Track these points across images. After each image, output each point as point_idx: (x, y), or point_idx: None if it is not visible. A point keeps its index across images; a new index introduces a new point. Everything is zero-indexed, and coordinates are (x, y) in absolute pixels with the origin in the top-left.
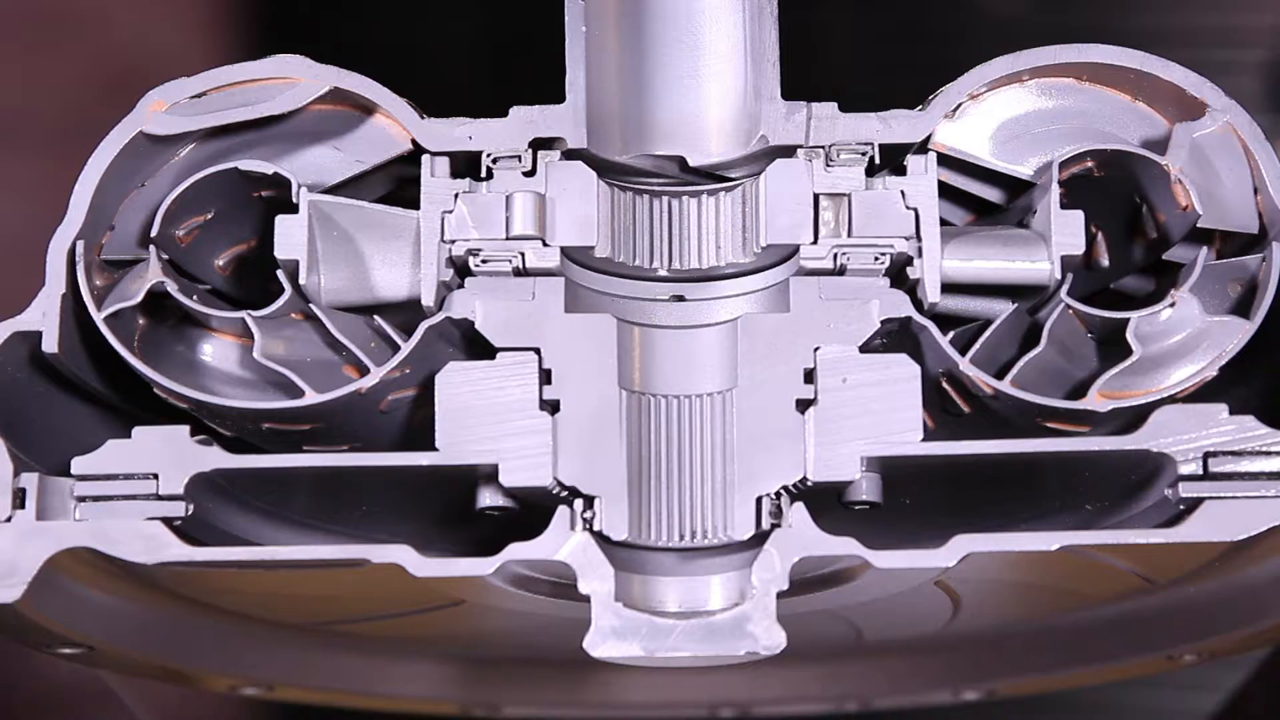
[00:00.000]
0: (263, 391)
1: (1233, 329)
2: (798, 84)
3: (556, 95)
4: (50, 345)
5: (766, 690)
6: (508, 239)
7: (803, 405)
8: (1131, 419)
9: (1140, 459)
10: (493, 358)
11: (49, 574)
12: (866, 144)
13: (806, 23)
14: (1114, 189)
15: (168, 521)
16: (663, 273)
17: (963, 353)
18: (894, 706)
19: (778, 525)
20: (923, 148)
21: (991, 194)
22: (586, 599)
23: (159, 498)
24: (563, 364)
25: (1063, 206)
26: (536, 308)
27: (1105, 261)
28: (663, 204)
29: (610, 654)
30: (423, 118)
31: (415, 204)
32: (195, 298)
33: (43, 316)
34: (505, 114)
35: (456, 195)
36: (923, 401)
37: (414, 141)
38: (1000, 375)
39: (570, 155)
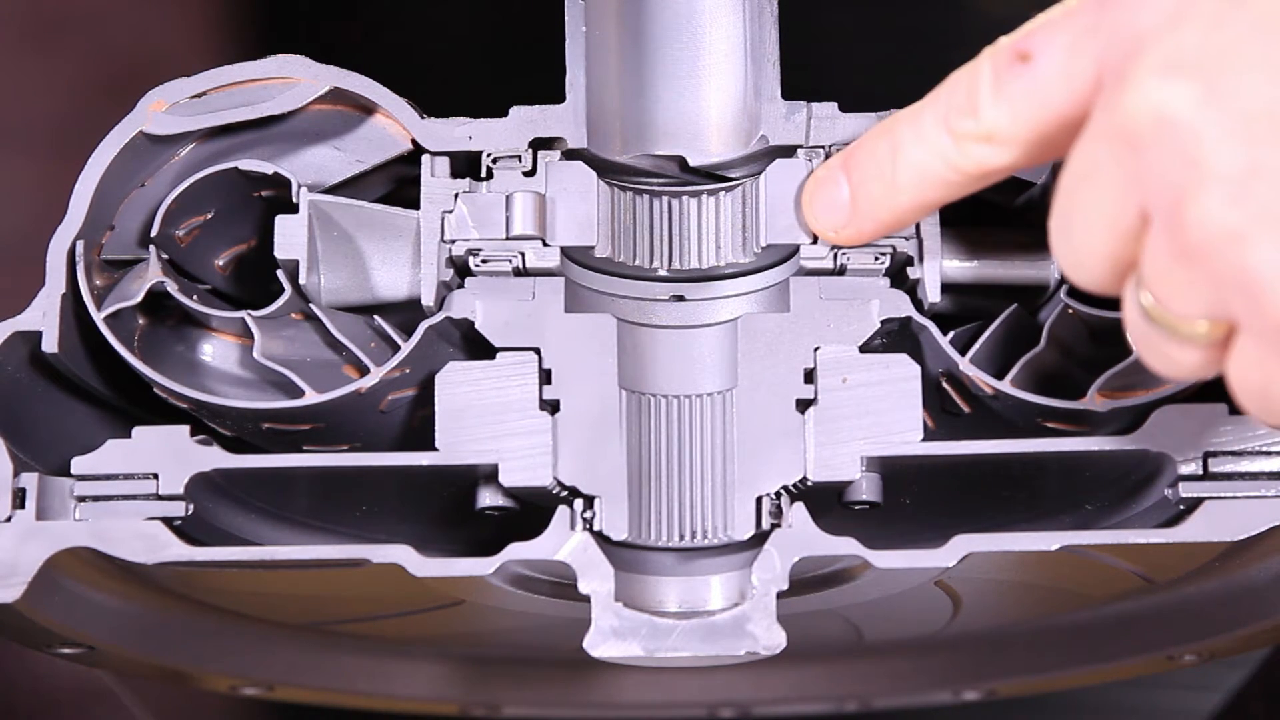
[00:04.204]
0: (263, 391)
1: None
2: (798, 84)
3: (556, 95)
4: (50, 345)
5: (766, 690)
6: (508, 239)
7: (803, 405)
8: (1131, 419)
9: (1140, 459)
10: (493, 358)
11: (49, 574)
12: None
13: (806, 23)
14: None
15: (168, 521)
16: (663, 273)
17: (963, 353)
18: (894, 706)
19: (778, 525)
20: None
21: (992, 194)
22: (586, 599)
23: (159, 498)
24: (563, 364)
25: None
26: (536, 308)
27: None
28: (663, 204)
29: (610, 654)
30: (423, 118)
31: (415, 204)
32: (195, 298)
33: (43, 316)
34: (505, 114)
35: (456, 195)
36: (923, 401)
37: (414, 141)
38: (1000, 375)
39: (570, 155)
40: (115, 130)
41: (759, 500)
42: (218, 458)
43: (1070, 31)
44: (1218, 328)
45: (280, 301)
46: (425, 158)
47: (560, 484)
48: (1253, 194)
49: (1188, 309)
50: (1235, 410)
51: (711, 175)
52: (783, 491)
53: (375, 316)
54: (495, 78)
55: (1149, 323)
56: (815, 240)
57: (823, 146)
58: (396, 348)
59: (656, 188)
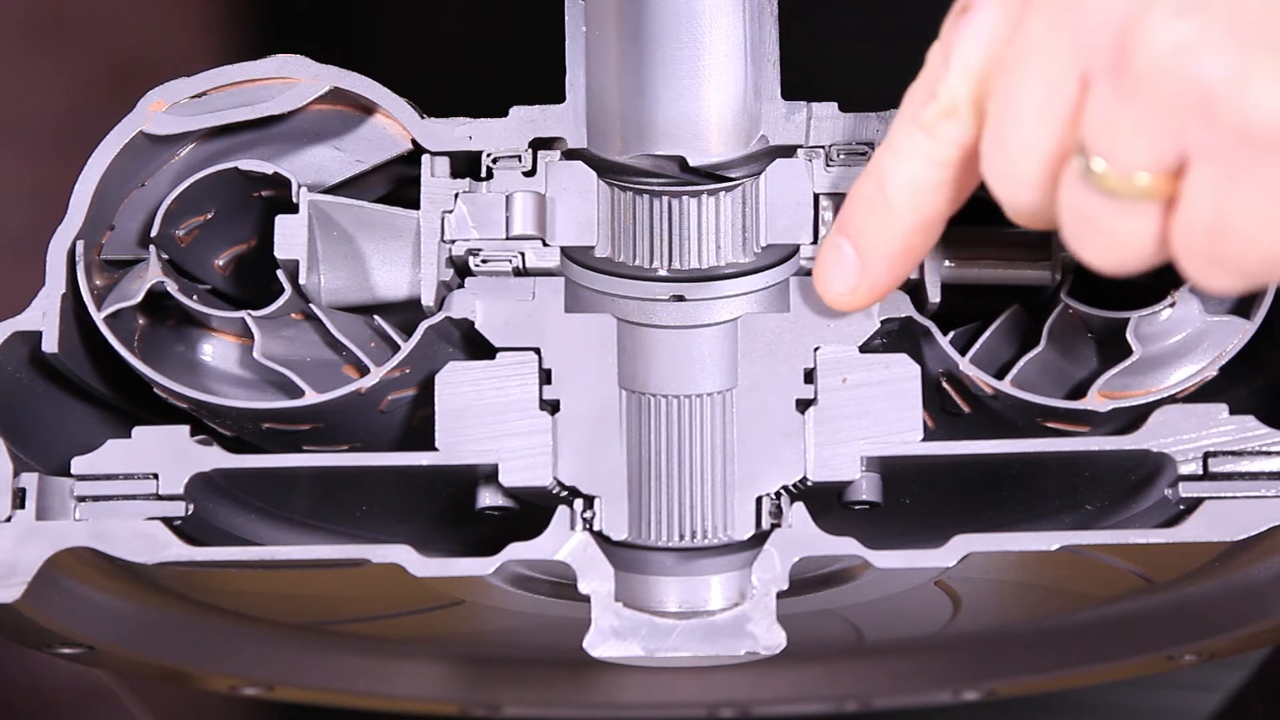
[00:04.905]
0: (263, 391)
1: (1233, 329)
2: (798, 84)
3: (556, 95)
4: (50, 345)
5: (766, 690)
6: (508, 239)
7: (803, 405)
8: (1131, 419)
9: (1140, 459)
10: (493, 358)
11: (49, 574)
12: (866, 144)
13: (806, 23)
14: None
15: (168, 521)
16: (663, 273)
17: (963, 353)
18: (894, 706)
19: (778, 525)
20: None
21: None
22: (586, 599)
23: (159, 498)
24: (563, 364)
25: None
26: (536, 308)
27: None
28: (663, 204)
29: (610, 654)
30: (423, 118)
31: (415, 204)
32: (195, 298)
33: (43, 316)
34: (505, 114)
35: (456, 195)
36: (923, 401)
37: (414, 141)
38: (1000, 375)
39: (570, 155)
40: (115, 130)
41: (759, 500)
42: (218, 458)
43: None
44: (1163, 181)
45: (280, 301)
46: (425, 158)
47: (560, 484)
48: (1200, 6)
49: (1135, 154)
50: (1235, 410)
51: (711, 175)
52: (783, 491)
53: (375, 316)
54: (495, 78)
55: (1090, 194)
56: (815, 240)
57: (823, 146)
58: (396, 348)
59: (656, 188)
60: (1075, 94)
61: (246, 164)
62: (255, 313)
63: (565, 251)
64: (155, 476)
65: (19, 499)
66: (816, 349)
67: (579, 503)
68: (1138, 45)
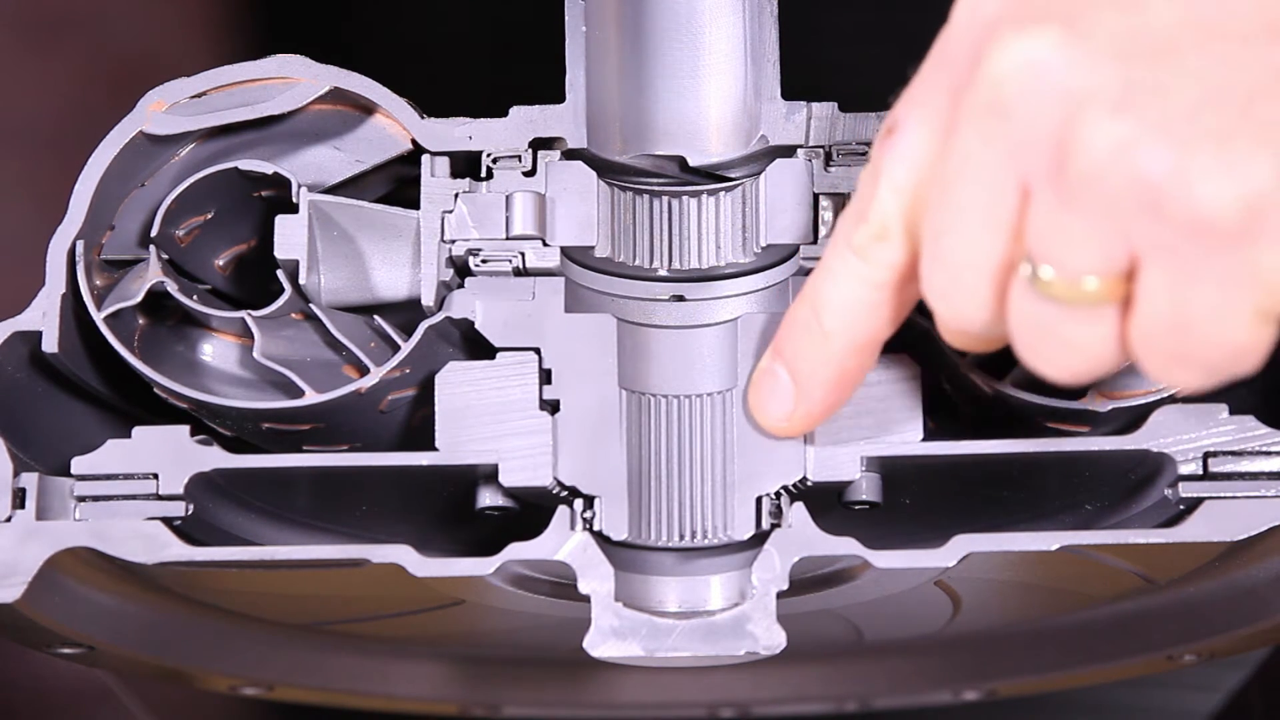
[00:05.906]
0: (263, 391)
1: None
2: (798, 84)
3: (556, 95)
4: (50, 345)
5: (766, 690)
6: (508, 239)
7: None
8: (1131, 419)
9: (1140, 459)
10: (493, 357)
11: (49, 574)
12: (866, 144)
13: (806, 23)
14: None
15: (168, 521)
16: (663, 273)
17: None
18: (894, 706)
19: (778, 525)
20: None
21: None
22: (586, 599)
23: (159, 498)
24: (563, 364)
25: None
26: (536, 307)
27: None
28: (663, 204)
29: (610, 654)
30: (423, 118)
31: (415, 204)
32: (195, 298)
33: (43, 316)
34: (505, 114)
35: (456, 195)
36: (923, 401)
37: (414, 141)
38: (1000, 375)
39: (570, 155)
40: (115, 130)
41: (759, 500)
42: (218, 458)
43: (921, 82)
44: (1114, 283)
45: (280, 301)
46: (425, 158)
47: (560, 484)
48: (1134, 104)
49: (1084, 259)
50: (1235, 410)
51: (711, 175)
52: (783, 491)
53: (375, 316)
54: (495, 78)
55: (1040, 304)
56: (815, 240)
57: (823, 146)
58: (396, 348)
59: (656, 188)
60: (1016, 204)
61: (246, 164)
62: (255, 313)
63: (565, 251)
64: (155, 476)
65: (19, 499)
66: None
67: (579, 503)
68: (1076, 149)
